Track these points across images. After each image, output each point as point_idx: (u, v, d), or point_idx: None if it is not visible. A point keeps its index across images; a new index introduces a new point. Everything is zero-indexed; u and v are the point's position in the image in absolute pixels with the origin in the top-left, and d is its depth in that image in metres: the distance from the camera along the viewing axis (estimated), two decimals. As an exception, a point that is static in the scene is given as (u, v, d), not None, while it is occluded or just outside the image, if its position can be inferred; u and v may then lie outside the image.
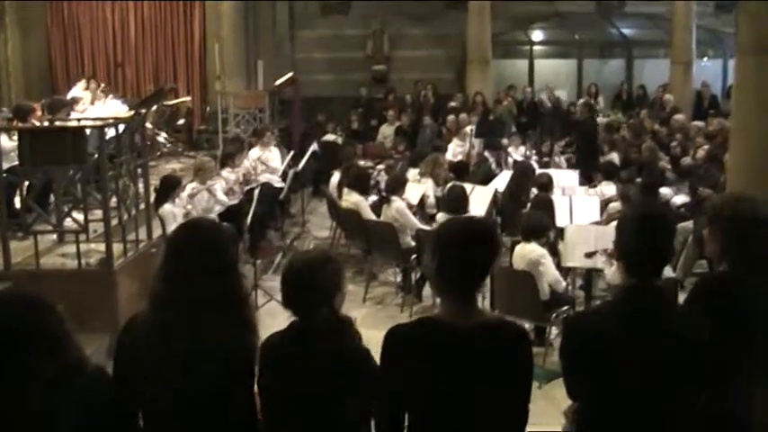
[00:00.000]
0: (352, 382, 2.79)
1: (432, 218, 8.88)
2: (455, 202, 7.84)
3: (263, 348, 2.87)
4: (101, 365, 2.73)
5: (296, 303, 2.89)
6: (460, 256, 2.67)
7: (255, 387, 2.88)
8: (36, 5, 16.00)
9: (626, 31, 19.48)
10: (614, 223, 6.79)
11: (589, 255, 6.78)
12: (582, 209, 8.26)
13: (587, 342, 2.76)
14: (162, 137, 13.57)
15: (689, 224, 8.28)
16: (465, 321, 2.66)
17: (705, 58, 18.83)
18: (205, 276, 2.70)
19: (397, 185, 8.83)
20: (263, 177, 10.36)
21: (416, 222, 8.48)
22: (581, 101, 15.73)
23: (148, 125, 10.90)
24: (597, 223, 7.79)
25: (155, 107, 12.48)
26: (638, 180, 9.97)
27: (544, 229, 6.90)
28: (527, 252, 6.70)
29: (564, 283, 6.90)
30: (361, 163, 12.08)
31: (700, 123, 12.98)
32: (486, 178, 10.52)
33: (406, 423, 2.79)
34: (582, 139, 12.77)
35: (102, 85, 13.76)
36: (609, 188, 9.31)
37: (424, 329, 2.71)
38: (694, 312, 2.86)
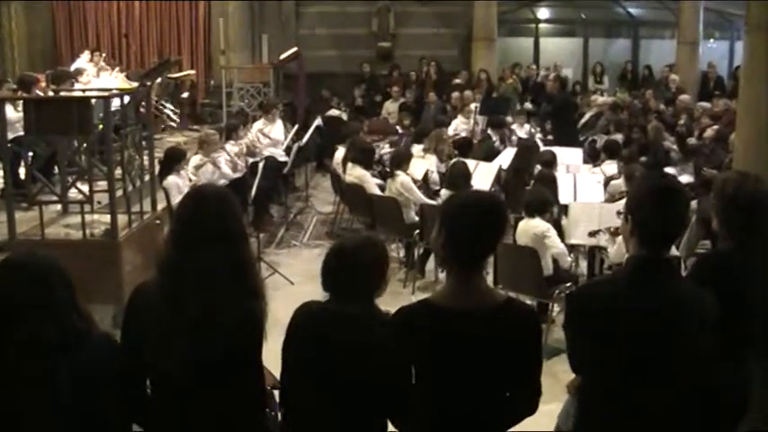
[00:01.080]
0: (367, 377, 2.78)
1: (435, 193, 8.88)
2: (458, 178, 7.83)
3: (296, 313, 2.91)
4: (107, 332, 2.75)
5: (330, 288, 2.91)
6: (467, 230, 2.64)
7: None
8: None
9: (633, 10, 19.34)
10: (619, 202, 6.86)
11: (593, 233, 6.78)
12: (586, 187, 8.26)
13: (591, 314, 2.72)
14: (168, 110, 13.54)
15: (693, 204, 8.28)
16: (471, 302, 2.64)
17: (712, 40, 18.73)
18: (212, 244, 2.68)
19: (402, 160, 8.80)
20: (267, 151, 10.36)
21: (421, 196, 8.47)
22: (552, 75, 15.65)
23: (153, 97, 10.87)
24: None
25: (159, 80, 12.44)
26: (642, 159, 9.94)
27: (548, 204, 6.87)
28: (531, 227, 6.68)
29: (569, 258, 6.88)
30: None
31: (705, 104, 12.93)
32: (489, 155, 10.50)
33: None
34: (556, 115, 12.60)
35: (104, 55, 13.70)
36: (611, 167, 9.29)
37: (429, 314, 2.68)
38: (700, 287, 2.82)
